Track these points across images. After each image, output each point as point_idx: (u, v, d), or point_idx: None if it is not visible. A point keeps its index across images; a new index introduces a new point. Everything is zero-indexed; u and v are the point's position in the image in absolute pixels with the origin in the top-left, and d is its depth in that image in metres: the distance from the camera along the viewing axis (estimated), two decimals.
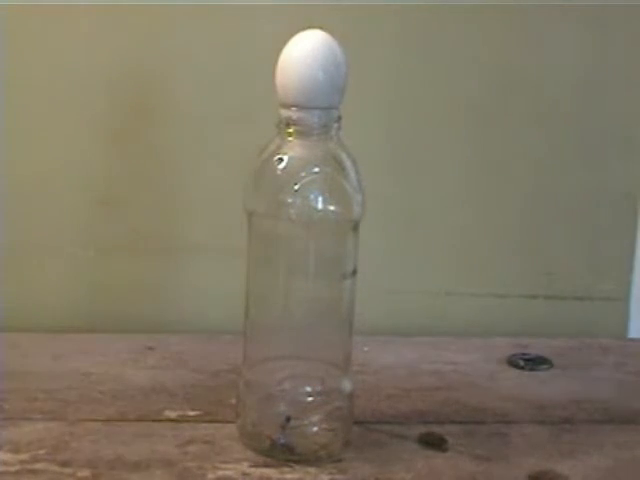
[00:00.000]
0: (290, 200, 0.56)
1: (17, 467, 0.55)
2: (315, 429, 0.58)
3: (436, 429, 0.62)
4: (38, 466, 0.55)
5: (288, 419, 0.57)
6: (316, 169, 0.57)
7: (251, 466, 0.57)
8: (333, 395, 0.58)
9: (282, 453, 0.57)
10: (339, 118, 0.57)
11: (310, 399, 0.58)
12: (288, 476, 0.56)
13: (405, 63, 0.80)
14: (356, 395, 0.61)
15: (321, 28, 0.56)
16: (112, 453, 0.57)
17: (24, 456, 0.56)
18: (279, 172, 0.56)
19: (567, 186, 0.83)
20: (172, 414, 0.63)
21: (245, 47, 0.77)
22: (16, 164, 0.77)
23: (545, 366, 0.74)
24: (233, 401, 0.61)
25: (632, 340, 0.84)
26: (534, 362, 0.74)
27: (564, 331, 0.82)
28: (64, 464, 0.56)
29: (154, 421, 0.62)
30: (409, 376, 0.71)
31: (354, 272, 0.58)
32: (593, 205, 0.84)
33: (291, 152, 0.57)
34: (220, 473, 0.56)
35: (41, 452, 0.57)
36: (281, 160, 0.56)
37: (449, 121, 0.81)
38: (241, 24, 0.77)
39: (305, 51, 0.55)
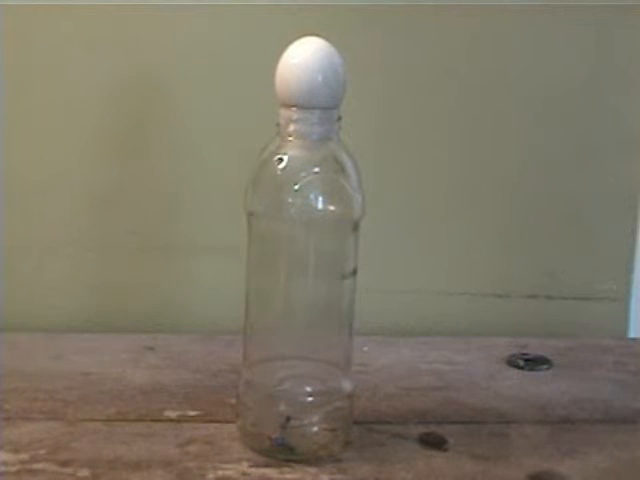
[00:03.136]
0: (290, 200, 0.56)
1: (17, 467, 0.55)
2: (315, 429, 0.58)
3: (436, 429, 0.62)
4: (38, 466, 0.55)
5: (288, 419, 0.57)
6: (316, 169, 0.57)
7: (251, 466, 0.57)
8: (333, 395, 0.58)
9: (282, 453, 0.57)
10: (339, 118, 0.57)
11: (310, 399, 0.58)
12: (288, 476, 0.56)
13: (404, 63, 0.80)
14: (356, 395, 0.61)
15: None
16: (112, 453, 0.57)
17: (24, 456, 0.56)
18: (279, 172, 0.56)
19: (567, 186, 0.83)
20: (172, 414, 0.63)
21: (245, 48, 0.77)
22: (16, 164, 0.77)
23: (545, 366, 0.74)
24: (233, 401, 0.61)
25: (632, 340, 0.84)
26: (534, 362, 0.74)
27: (564, 331, 0.82)
28: (64, 464, 0.56)
29: (154, 421, 0.62)
30: (409, 376, 0.71)
31: (354, 272, 0.58)
32: (593, 205, 0.84)
33: (291, 152, 0.57)
34: (220, 473, 0.56)
35: (41, 452, 0.57)
36: (281, 160, 0.56)
37: (448, 121, 0.81)
38: (241, 24, 0.77)
39: (304, 55, 0.55)
